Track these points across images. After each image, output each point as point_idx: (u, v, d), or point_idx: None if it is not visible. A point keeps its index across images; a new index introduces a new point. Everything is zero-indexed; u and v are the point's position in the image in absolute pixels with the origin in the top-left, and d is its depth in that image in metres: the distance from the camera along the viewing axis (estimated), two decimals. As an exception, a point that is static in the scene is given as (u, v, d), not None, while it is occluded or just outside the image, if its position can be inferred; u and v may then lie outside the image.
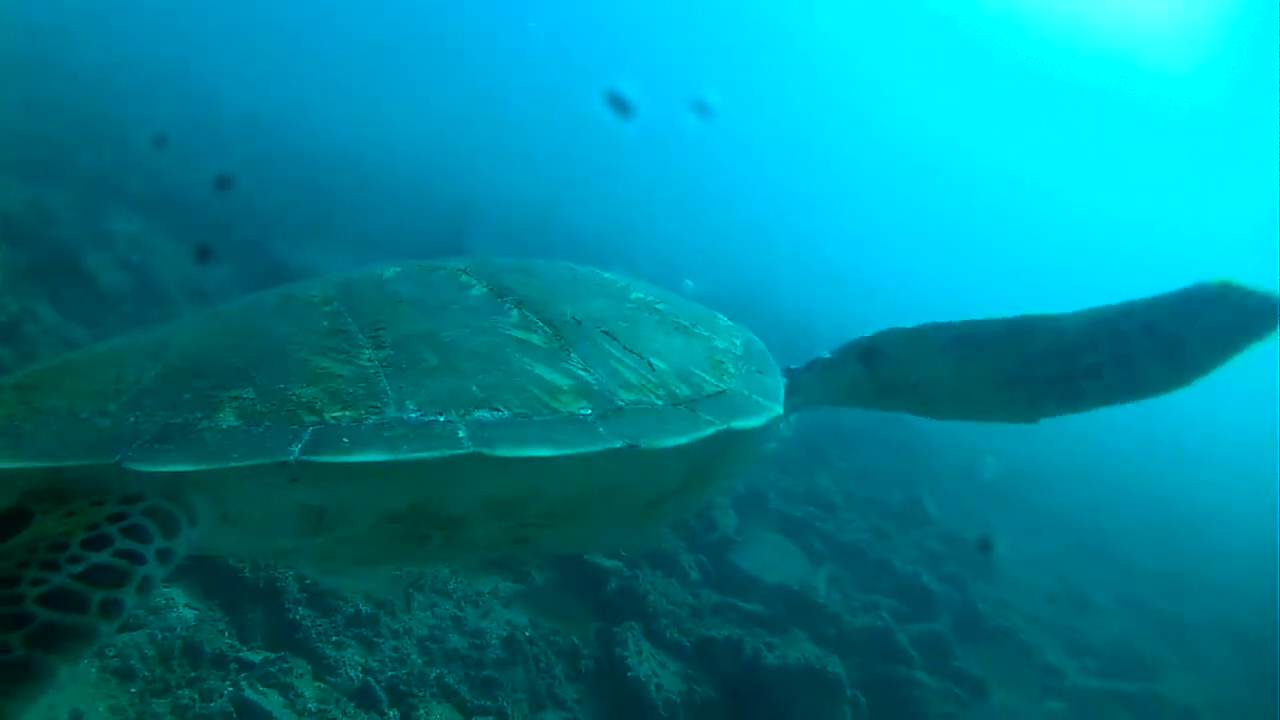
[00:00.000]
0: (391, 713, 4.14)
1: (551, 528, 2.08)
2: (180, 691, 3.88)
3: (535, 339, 1.94)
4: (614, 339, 2.02)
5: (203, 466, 1.52)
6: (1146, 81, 44.75)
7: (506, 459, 1.65)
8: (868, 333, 2.53)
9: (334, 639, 4.73)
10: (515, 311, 2.02)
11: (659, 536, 6.65)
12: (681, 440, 1.81)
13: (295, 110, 20.30)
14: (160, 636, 4.10)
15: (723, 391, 2.02)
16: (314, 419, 1.62)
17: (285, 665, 4.15)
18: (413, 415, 1.66)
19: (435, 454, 1.60)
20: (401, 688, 4.53)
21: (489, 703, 4.74)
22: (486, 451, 1.63)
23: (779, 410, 2.12)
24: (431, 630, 5.08)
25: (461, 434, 1.64)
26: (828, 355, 2.58)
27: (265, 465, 1.55)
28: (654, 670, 5.32)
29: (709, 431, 1.87)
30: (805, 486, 9.59)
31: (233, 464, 1.52)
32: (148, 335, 2.03)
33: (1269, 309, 2.10)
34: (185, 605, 4.61)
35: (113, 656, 3.91)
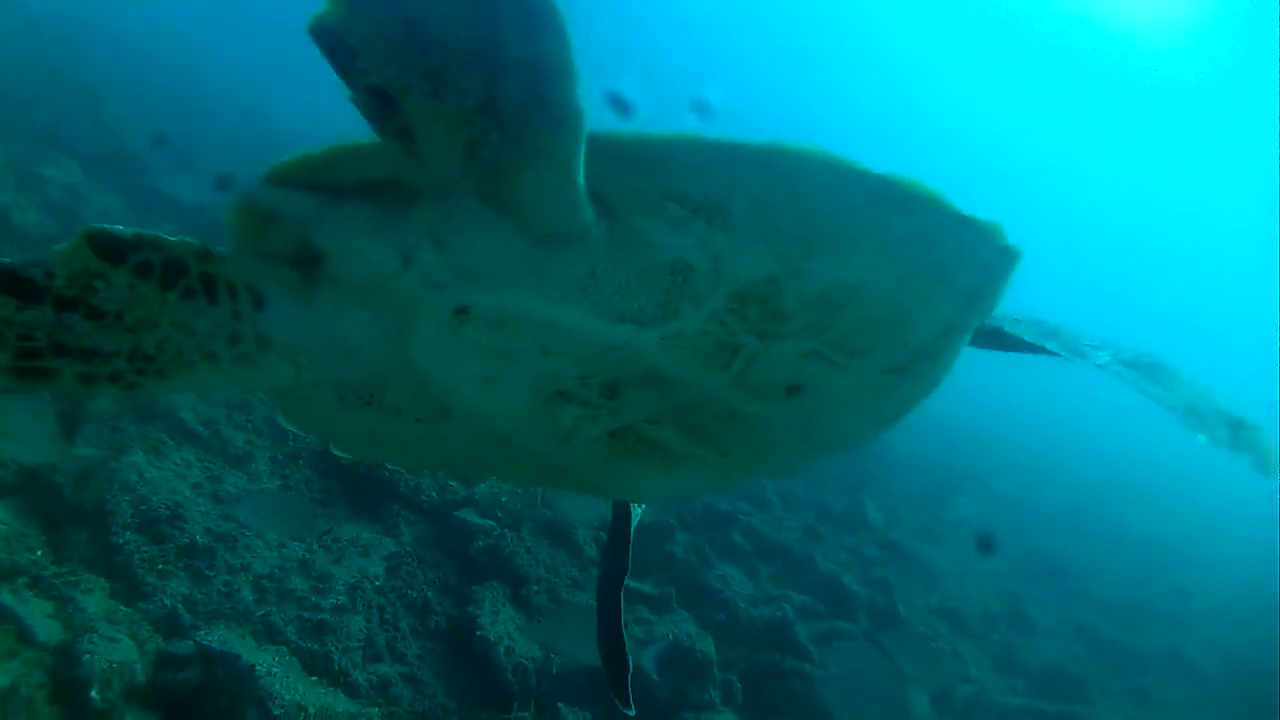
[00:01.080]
0: (194, 635, 3.83)
1: (769, 400, 1.65)
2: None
3: None
4: None
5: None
6: (1143, 56, 43.95)
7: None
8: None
9: (159, 567, 4.47)
10: None
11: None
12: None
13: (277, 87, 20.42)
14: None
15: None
16: None
17: (72, 579, 3.88)
18: None
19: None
20: (218, 621, 4.26)
21: (315, 646, 4.45)
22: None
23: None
24: (273, 570, 4.79)
25: None
26: None
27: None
28: (508, 634, 5.01)
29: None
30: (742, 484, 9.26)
31: None
32: None
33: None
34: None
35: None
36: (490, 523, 5.62)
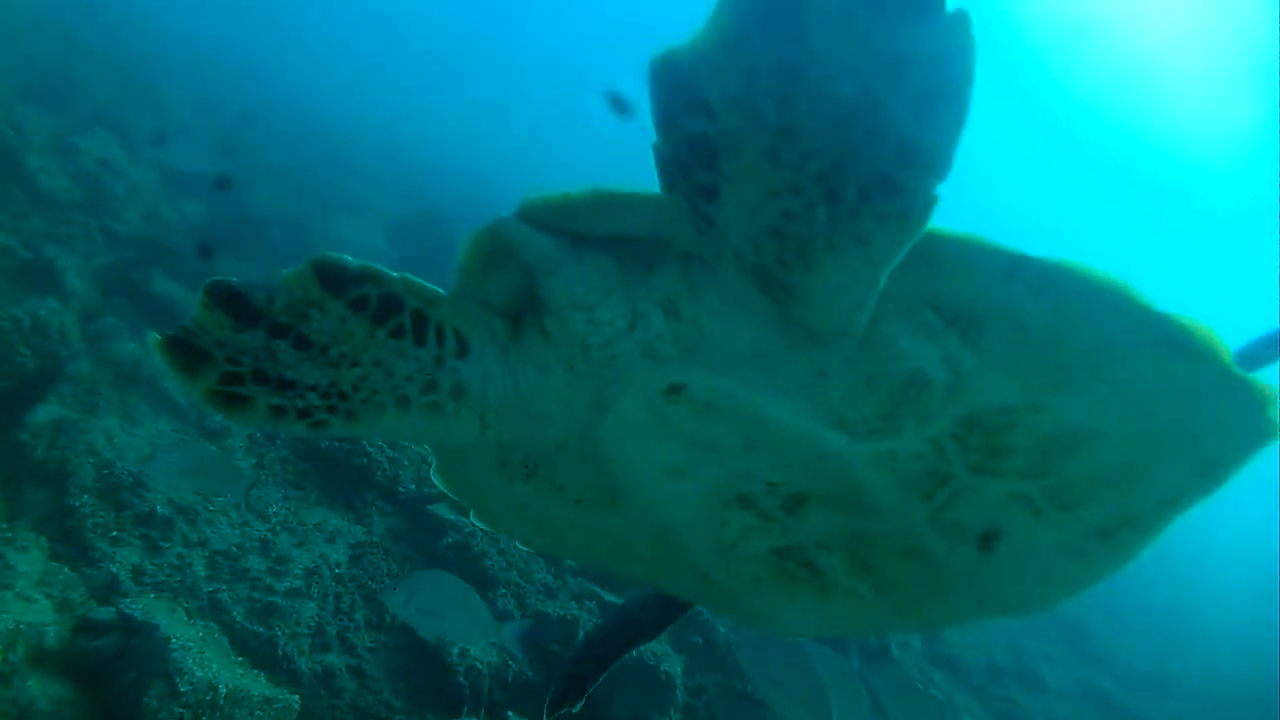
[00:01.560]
0: (120, 603, 3.71)
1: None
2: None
3: None
4: None
5: None
6: (1193, 174, 43.42)
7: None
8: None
9: (113, 534, 4.38)
10: None
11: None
12: None
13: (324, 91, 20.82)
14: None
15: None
16: None
17: (9, 535, 3.79)
18: None
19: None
20: (164, 593, 4.14)
21: (260, 629, 4.31)
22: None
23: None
24: (231, 547, 4.68)
25: None
26: None
27: None
28: (469, 635, 4.82)
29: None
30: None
31: None
32: None
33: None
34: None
35: None
36: (464, 520, 5.45)
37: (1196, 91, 38.87)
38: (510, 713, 4.58)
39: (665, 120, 1.07)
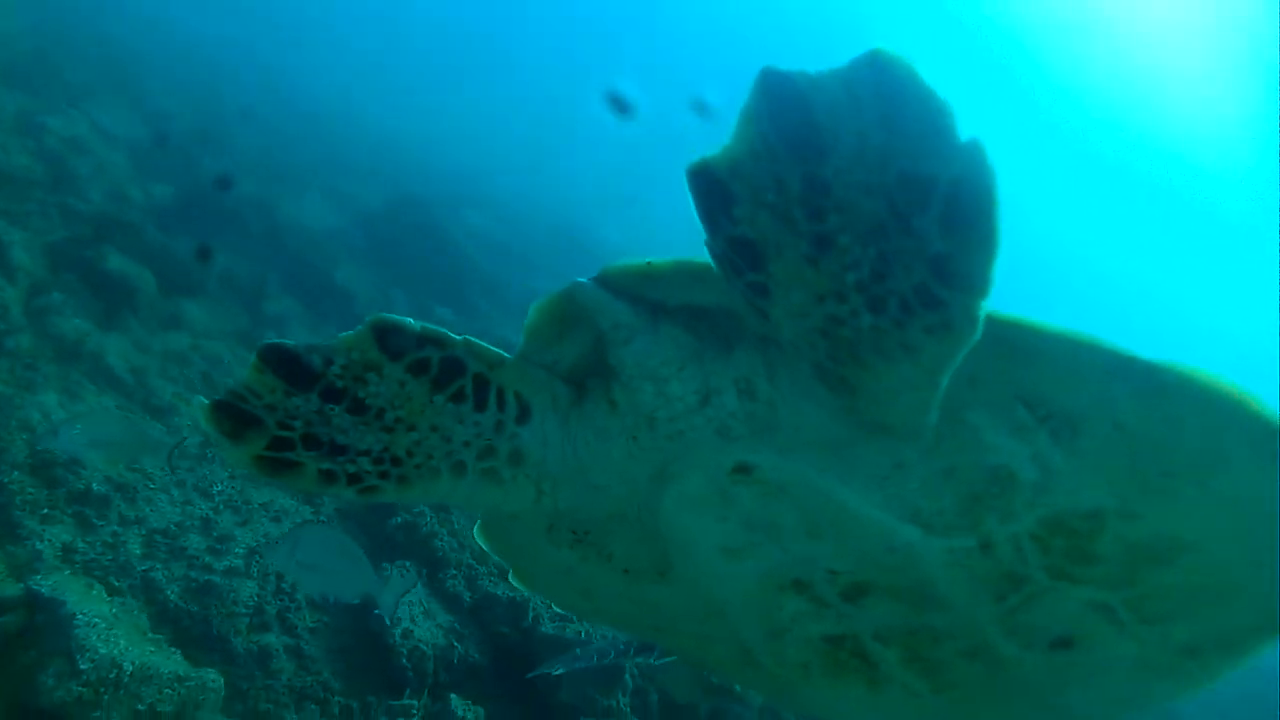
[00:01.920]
0: (30, 579, 3.60)
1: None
2: None
3: None
4: None
5: None
6: (1202, 179, 43.45)
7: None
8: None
9: (44, 511, 4.27)
10: None
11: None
12: None
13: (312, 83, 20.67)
14: None
15: None
16: None
17: (-79, 509, 3.68)
18: None
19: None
20: (94, 571, 4.04)
21: (194, 608, 4.21)
22: None
23: None
24: (170, 526, 4.58)
25: None
26: None
27: None
28: (413, 617, 4.72)
29: None
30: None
31: None
32: None
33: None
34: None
35: None
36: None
37: (1198, 92, 38.75)
38: (454, 695, 4.47)
39: (709, 222, 1.07)
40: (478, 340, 1.37)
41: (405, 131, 18.84)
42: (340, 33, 27.38)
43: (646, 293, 1.31)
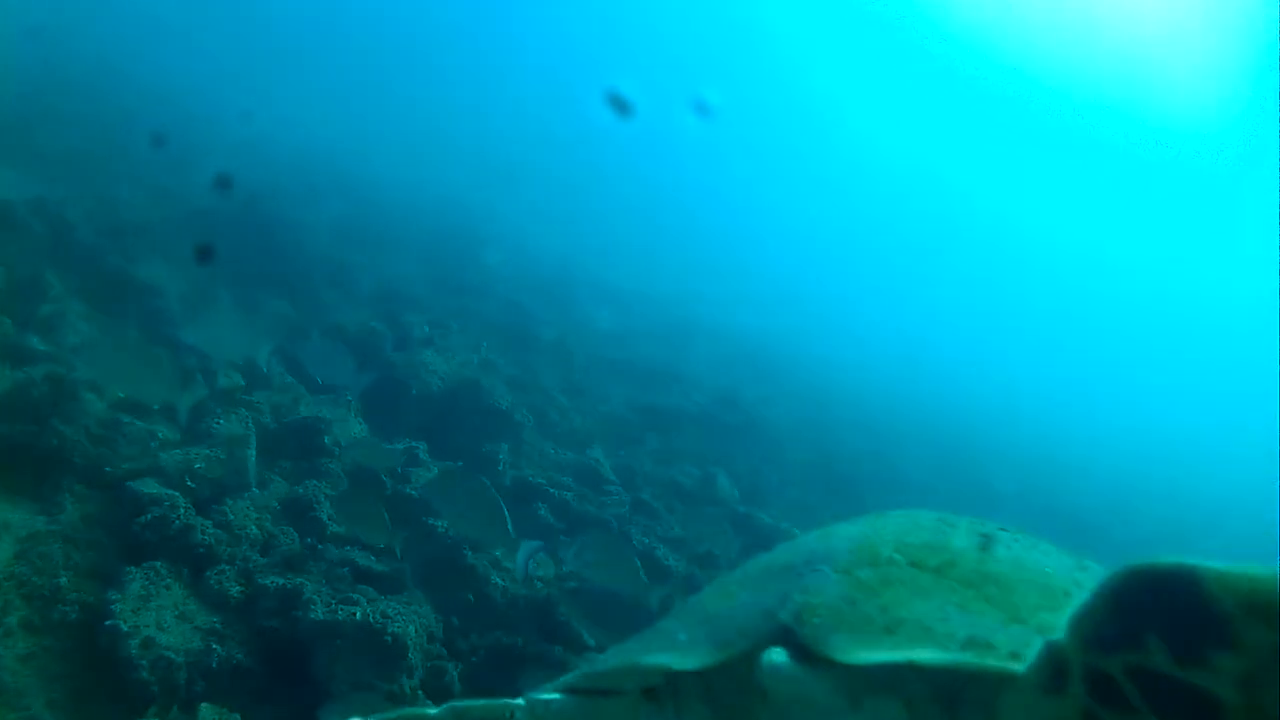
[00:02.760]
0: None
1: None
2: None
3: None
4: None
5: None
6: (1161, 136, 45.34)
7: None
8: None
9: None
10: None
11: None
12: None
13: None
14: None
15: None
16: None
17: None
18: None
19: None
20: None
21: None
22: None
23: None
24: None
25: None
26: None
27: None
28: (161, 622, 4.16)
29: None
30: (575, 458, 8.48)
31: None
32: None
33: None
34: None
35: None
36: (174, 493, 4.75)
37: (1165, 55, 39.97)
38: (205, 705, 3.94)
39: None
40: None
41: (248, 126, 17.80)
42: (187, 30, 25.89)
43: None
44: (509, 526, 4.77)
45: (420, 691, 4.28)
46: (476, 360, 10.32)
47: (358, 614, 4.25)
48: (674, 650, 1.33)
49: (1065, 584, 1.31)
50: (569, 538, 6.61)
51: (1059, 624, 1.07)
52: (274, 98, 23.72)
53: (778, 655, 1.12)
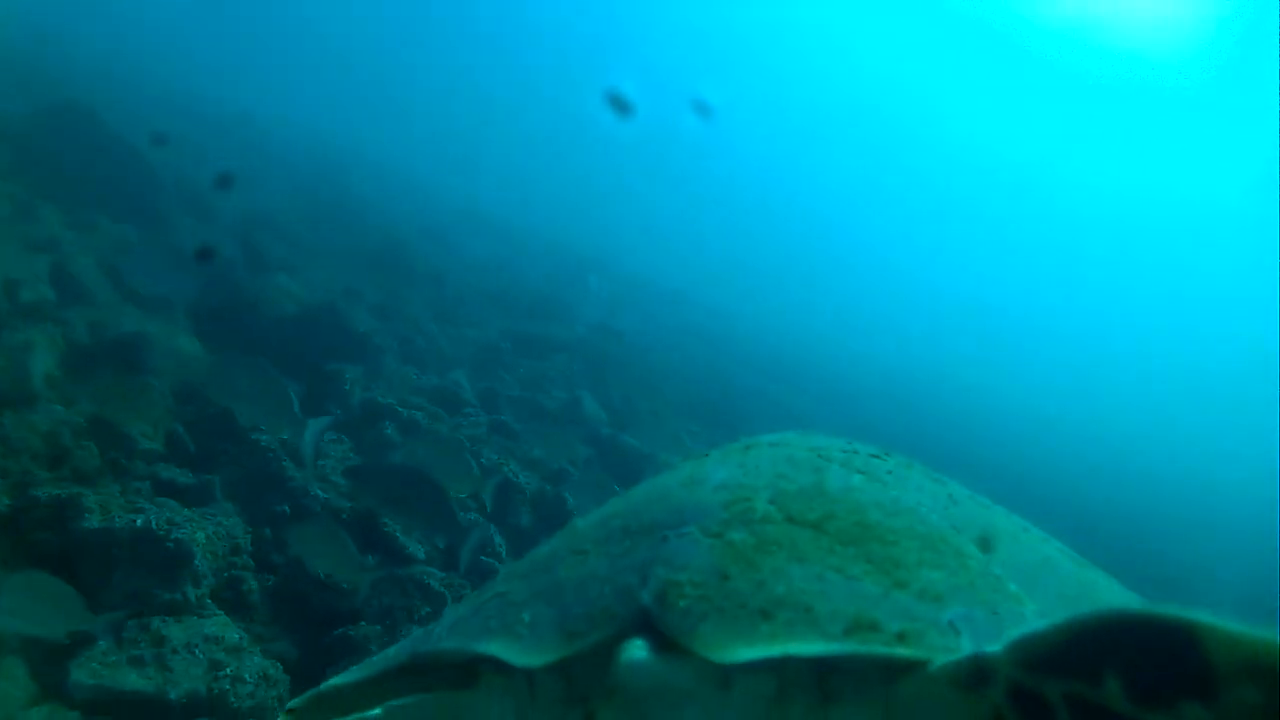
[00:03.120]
0: None
1: None
2: None
3: None
4: None
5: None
6: (1138, 66, 46.75)
7: None
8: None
9: None
10: None
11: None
12: None
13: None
14: None
15: None
16: None
17: None
18: None
19: None
20: None
21: None
22: None
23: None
24: None
25: None
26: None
27: None
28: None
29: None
30: (437, 382, 8.25)
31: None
32: None
33: None
34: None
35: None
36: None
37: None
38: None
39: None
40: None
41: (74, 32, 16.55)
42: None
43: None
44: (295, 407, 4.56)
45: (210, 600, 4.07)
46: (340, 288, 9.92)
47: (139, 521, 3.98)
48: (513, 637, 1.16)
49: (942, 528, 1.27)
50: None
51: (941, 585, 1.09)
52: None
53: (638, 650, 1.00)
